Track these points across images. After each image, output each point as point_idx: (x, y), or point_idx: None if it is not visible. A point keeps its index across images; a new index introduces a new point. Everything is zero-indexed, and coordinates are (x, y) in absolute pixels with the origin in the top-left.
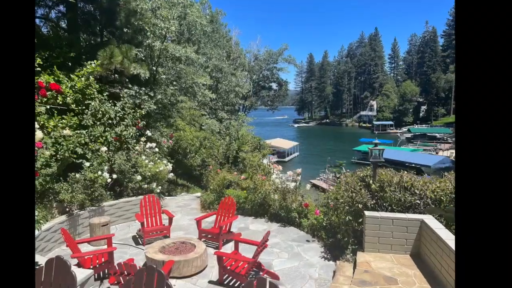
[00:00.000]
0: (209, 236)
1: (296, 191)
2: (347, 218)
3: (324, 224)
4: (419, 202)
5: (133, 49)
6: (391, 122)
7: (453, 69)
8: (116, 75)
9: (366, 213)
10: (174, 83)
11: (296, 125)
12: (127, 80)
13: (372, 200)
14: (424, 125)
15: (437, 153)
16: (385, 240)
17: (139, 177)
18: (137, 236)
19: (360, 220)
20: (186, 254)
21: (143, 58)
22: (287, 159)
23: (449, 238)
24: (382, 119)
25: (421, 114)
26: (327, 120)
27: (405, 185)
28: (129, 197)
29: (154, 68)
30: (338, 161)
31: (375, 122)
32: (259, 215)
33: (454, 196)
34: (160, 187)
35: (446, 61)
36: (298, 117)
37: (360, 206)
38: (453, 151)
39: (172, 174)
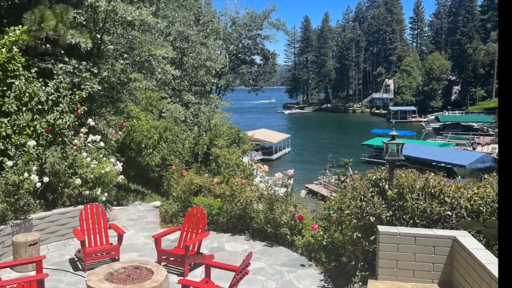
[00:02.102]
0: (172, 259)
1: (287, 199)
2: (354, 235)
3: (325, 243)
4: (450, 213)
5: (70, 11)
6: (413, 108)
7: (495, 36)
8: (48, 45)
9: (380, 228)
10: (125, 55)
11: (287, 112)
12: (62, 52)
13: (388, 211)
14: (457, 112)
15: (474, 148)
16: (406, 264)
17: (78, 181)
18: (76, 259)
19: (372, 237)
20: (140, 283)
21: (84, 23)
22: (275, 156)
23: (490, 262)
24: (402, 104)
25: (453, 97)
26: (328, 105)
27: (432, 191)
28: (65, 207)
29: (99, 36)
30: (342, 160)
31: (391, 108)
32: (238, 231)
33: (497, 206)
34: (106, 194)
35: (487, 26)
36: (289, 101)
37: (372, 219)
38: (496, 146)
39: (122, 176)
